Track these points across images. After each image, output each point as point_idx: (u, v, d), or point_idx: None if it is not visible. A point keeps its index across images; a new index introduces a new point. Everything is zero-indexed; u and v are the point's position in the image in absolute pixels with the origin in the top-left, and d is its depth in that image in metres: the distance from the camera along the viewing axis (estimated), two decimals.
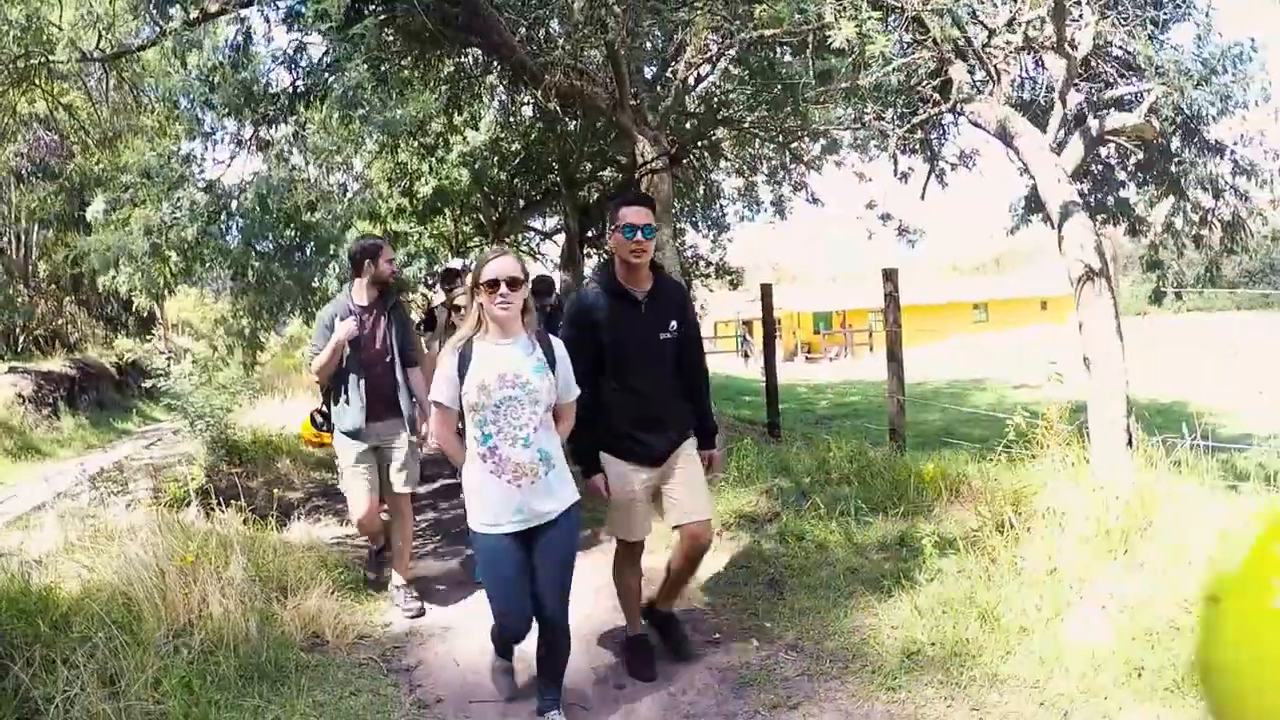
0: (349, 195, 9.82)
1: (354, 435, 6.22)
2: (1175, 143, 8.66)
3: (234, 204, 7.13)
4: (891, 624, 5.17)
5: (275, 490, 9.37)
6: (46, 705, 4.06)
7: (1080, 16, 6.53)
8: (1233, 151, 8.78)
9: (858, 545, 6.45)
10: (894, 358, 9.03)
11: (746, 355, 42.39)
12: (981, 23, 6.88)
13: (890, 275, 8.89)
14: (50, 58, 7.71)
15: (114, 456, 11.30)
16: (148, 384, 10.58)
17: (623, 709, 4.62)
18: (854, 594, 5.66)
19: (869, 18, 5.64)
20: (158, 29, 7.36)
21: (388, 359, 6.33)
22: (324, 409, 6.62)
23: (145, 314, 19.40)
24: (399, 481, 6.39)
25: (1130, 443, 5.86)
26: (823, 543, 6.58)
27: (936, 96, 7.73)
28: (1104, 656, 4.22)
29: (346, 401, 6.24)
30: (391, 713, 4.57)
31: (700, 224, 17.56)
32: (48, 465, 13.01)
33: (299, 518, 8.23)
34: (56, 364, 18.17)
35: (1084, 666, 4.22)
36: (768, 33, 6.74)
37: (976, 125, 7.14)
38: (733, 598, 6.01)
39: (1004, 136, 6.84)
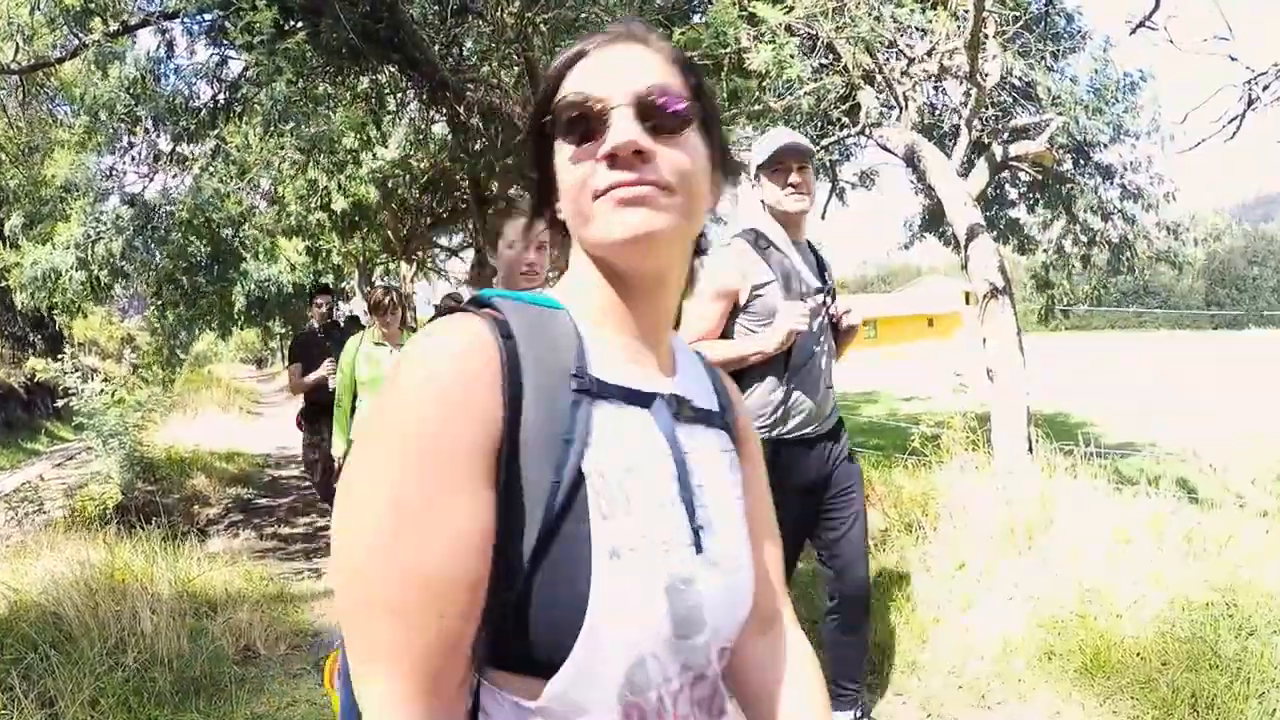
0: (269, 213, 9.72)
1: None
2: (1068, 166, 9.08)
3: (160, 217, 7.00)
4: (811, 619, 5.32)
5: (194, 507, 9.25)
6: None
7: (988, 48, 6.79)
8: (1121, 177, 9.25)
9: None
10: None
11: None
12: (901, 51, 7.12)
13: None
14: None
15: (24, 477, 10.97)
16: (59, 404, 10.27)
17: None
18: None
19: (786, 43, 5.79)
20: (77, 40, 7.21)
21: None
22: None
23: (53, 333, 18.83)
24: None
25: (1031, 449, 6.11)
26: None
27: (845, 120, 7.95)
28: (1015, 643, 4.42)
29: None
30: None
31: None
32: None
33: (218, 533, 8.14)
34: None
35: (997, 653, 4.42)
36: (686, 55, 6.85)
37: (884, 148, 7.36)
38: None
39: (911, 160, 7.06)
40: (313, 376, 7.53)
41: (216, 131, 7.42)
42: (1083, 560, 4.83)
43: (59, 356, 9.85)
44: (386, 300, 6.44)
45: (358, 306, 19.98)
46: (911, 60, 7.03)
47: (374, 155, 11.81)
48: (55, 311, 7.50)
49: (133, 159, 8.02)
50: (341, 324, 8.87)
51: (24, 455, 16.09)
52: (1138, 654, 4.11)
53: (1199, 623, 4.16)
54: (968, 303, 55.89)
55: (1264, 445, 9.05)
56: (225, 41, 7.16)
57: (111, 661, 4.65)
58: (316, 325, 8.12)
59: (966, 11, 5.91)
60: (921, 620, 4.88)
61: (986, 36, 6.79)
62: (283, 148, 7.16)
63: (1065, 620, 4.44)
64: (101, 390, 9.52)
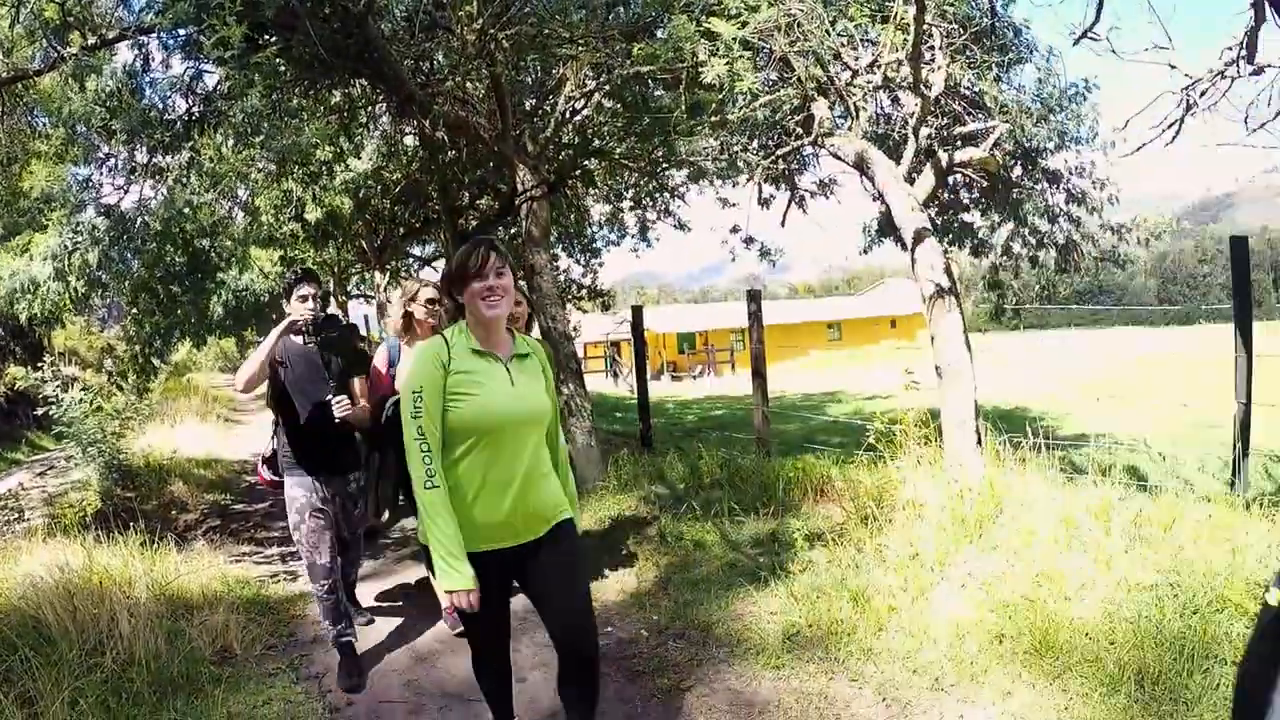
0: (241, 223, 9.68)
1: None
2: (1016, 172, 9.19)
3: (135, 228, 6.97)
4: (770, 610, 5.36)
5: (172, 512, 9.19)
6: None
7: (933, 59, 6.87)
8: (1067, 181, 9.37)
9: (733, 542, 6.67)
10: (758, 373, 9.23)
11: (616, 375, 43.09)
12: (845, 64, 7.18)
13: (755, 296, 9.08)
14: None
15: (5, 485, 10.88)
16: (38, 412, 10.22)
17: (526, 700, 4.67)
18: (733, 585, 5.85)
19: (739, 56, 5.85)
20: (55, 54, 7.18)
21: None
22: None
23: (33, 342, 18.68)
24: None
25: (979, 442, 6.18)
26: (700, 541, 6.78)
27: (800, 130, 8.01)
28: (967, 627, 4.49)
29: None
30: (305, 719, 4.52)
31: (574, 249, 17.66)
32: None
33: (195, 538, 8.10)
34: None
35: (950, 637, 4.48)
36: (644, 69, 6.89)
37: (836, 157, 7.42)
38: (620, 594, 6.14)
39: (861, 167, 7.13)
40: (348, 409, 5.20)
41: (191, 143, 7.39)
42: (1033, 547, 4.91)
43: (39, 366, 9.76)
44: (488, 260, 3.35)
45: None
46: (856, 72, 7.10)
47: (347, 166, 11.82)
48: (34, 322, 7.45)
49: (109, 170, 8.00)
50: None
51: (5, 465, 15.96)
52: (1086, 634, 4.19)
53: (1144, 603, 4.24)
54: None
55: (1215, 434, 9.21)
56: (199, 55, 7.16)
57: (90, 663, 4.65)
58: (306, 328, 5.20)
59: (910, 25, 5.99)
60: (877, 608, 4.94)
61: (933, 49, 6.88)
62: (253, 160, 7.15)
63: (1015, 604, 4.52)
64: (81, 399, 9.46)
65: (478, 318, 3.35)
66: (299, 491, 5.16)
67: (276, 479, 5.46)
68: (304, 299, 5.25)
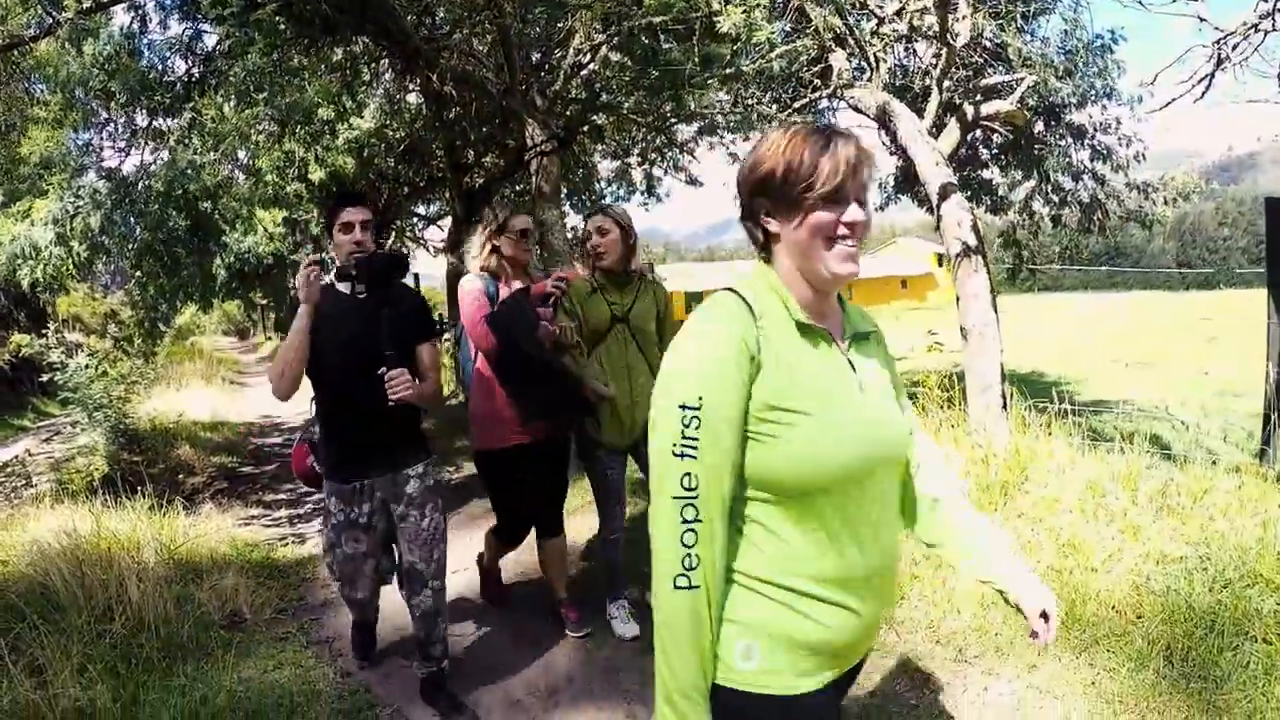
0: (244, 185, 9.64)
1: None
2: (1039, 127, 9.05)
3: (137, 191, 6.92)
4: None
5: (179, 476, 9.20)
6: None
7: (958, 8, 6.74)
8: (1092, 137, 9.23)
9: None
10: None
11: None
12: (871, 11, 7.06)
13: None
14: None
15: (11, 452, 10.94)
16: (44, 379, 10.26)
17: (543, 663, 4.67)
18: None
19: (756, 5, 5.74)
20: (51, 19, 7.10)
21: None
22: None
23: (37, 309, 18.74)
24: None
25: (1005, 407, 6.11)
26: None
27: (817, 82, 7.90)
28: (992, 597, 4.42)
29: None
30: (316, 683, 4.48)
31: (583, 206, 17.51)
32: None
33: (203, 501, 8.11)
34: None
35: (974, 607, 4.43)
36: (656, 19, 6.77)
37: (856, 109, 7.30)
38: (637, 564, 6.10)
39: (883, 120, 7.00)
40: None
41: (192, 105, 7.31)
42: (1058, 515, 4.85)
43: (43, 333, 9.78)
44: None
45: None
46: (881, 20, 6.98)
47: (349, 125, 11.73)
48: (37, 288, 7.43)
49: (109, 134, 7.95)
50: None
51: (11, 431, 16.06)
52: (1113, 607, 4.13)
53: (1173, 576, 4.17)
54: (940, 265, 56.08)
55: (1239, 403, 9.11)
56: (198, 15, 7.07)
57: (99, 629, 4.64)
58: (353, 271, 3.85)
59: None
60: (900, 578, 4.89)
61: None
62: (257, 119, 7.08)
63: (1041, 574, 4.45)
64: (86, 365, 9.49)
65: (814, 273, 1.78)
66: (334, 503, 3.98)
67: (317, 473, 4.24)
68: (348, 229, 3.87)
